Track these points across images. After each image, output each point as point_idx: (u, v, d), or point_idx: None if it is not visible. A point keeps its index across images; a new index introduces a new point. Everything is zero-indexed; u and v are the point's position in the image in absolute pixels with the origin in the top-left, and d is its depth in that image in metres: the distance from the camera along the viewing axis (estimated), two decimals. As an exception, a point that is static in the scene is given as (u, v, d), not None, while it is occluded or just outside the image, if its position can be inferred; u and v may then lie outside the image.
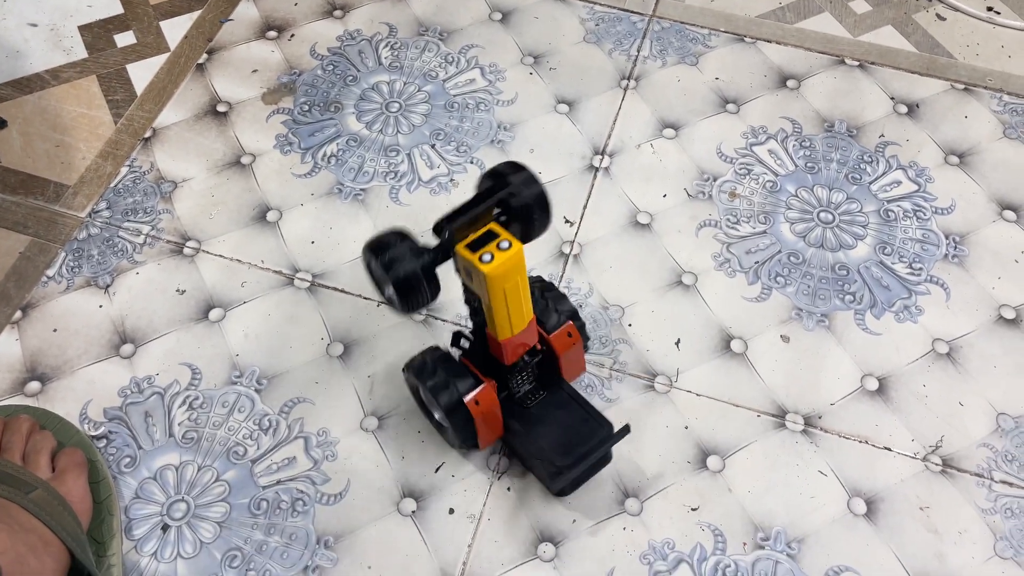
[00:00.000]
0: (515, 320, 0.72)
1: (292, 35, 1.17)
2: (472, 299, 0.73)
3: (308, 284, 0.95)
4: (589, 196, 1.03)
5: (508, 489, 0.83)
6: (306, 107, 1.10)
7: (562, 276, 0.96)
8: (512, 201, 0.69)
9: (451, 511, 0.81)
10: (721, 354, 0.91)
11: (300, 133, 1.07)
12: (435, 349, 0.80)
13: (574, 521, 0.81)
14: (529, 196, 0.69)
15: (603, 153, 1.06)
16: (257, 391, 0.88)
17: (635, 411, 0.87)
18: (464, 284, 0.72)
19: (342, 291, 0.95)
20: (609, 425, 0.79)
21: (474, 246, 0.66)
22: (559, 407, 0.80)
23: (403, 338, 0.91)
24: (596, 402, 0.88)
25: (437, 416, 0.82)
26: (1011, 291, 0.95)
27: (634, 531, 0.81)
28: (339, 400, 0.87)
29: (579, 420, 0.80)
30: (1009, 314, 0.93)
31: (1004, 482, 0.83)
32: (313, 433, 0.85)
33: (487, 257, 0.65)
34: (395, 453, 0.85)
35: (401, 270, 0.64)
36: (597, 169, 1.05)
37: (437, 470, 0.84)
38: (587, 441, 0.77)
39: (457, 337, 0.80)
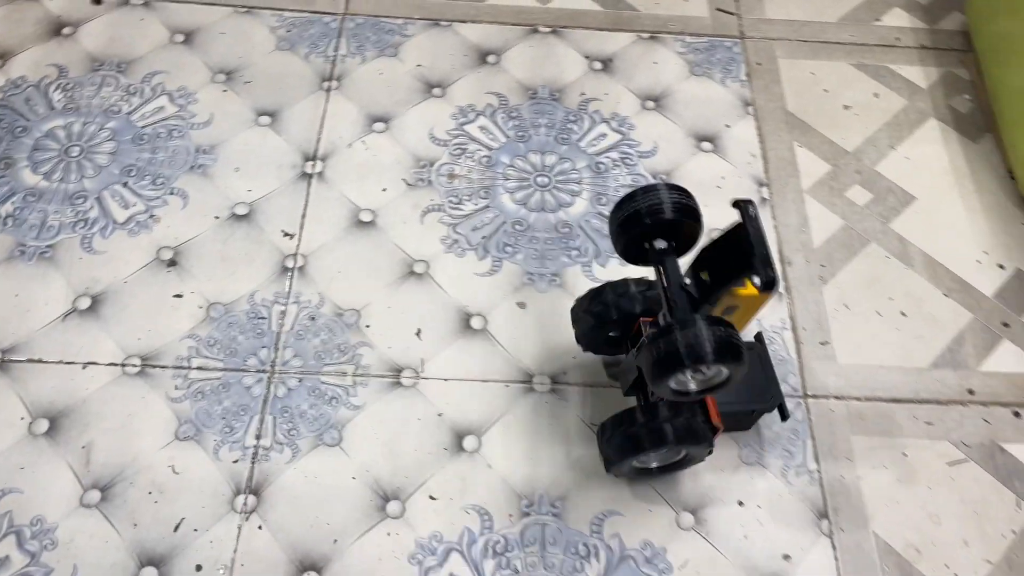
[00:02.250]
0: None
1: (-55, 94, 1.04)
2: None
3: (-2, 362, 0.84)
4: (306, 204, 0.98)
5: (260, 527, 0.77)
6: (-30, 169, 0.98)
7: (289, 292, 0.91)
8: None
9: (198, 568, 0.74)
10: (463, 334, 0.90)
11: (-34, 199, 0.95)
12: (618, 419, 0.74)
13: (335, 541, 0.77)
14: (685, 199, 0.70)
15: (315, 158, 1.02)
16: (-50, 495, 0.76)
17: (385, 411, 0.84)
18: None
19: (39, 361, 0.85)
20: (748, 343, 0.81)
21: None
22: None
23: (117, 396, 0.83)
24: (343, 412, 0.84)
25: (682, 456, 0.77)
26: (717, 214, 0.99)
27: (399, 534, 0.77)
28: (51, 481, 0.78)
29: None
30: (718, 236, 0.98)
31: (739, 392, 0.87)
32: (25, 524, 0.75)
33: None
34: (125, 522, 0.76)
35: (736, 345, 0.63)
36: (311, 176, 1.01)
37: (176, 528, 0.76)
38: (761, 368, 0.80)
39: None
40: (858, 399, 0.87)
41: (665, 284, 0.69)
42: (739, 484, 0.81)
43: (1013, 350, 0.91)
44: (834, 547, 0.78)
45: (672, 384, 0.65)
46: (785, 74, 1.14)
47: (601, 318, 0.78)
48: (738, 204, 0.66)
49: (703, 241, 0.71)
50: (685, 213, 0.69)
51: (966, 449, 0.84)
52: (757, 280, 0.64)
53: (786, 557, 0.78)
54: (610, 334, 0.80)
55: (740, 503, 0.80)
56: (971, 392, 0.88)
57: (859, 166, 1.05)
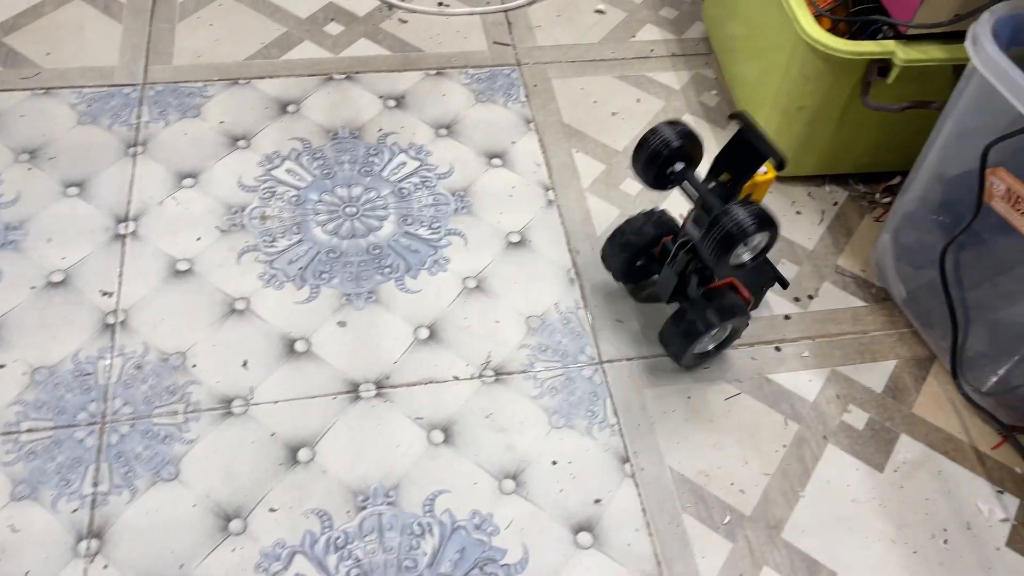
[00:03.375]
0: None
1: None
2: None
3: None
4: (122, 263, 1.02)
5: (105, 567, 0.80)
6: None
7: (112, 346, 0.95)
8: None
9: (46, 615, 0.77)
10: (288, 358, 0.96)
11: None
12: (673, 321, 0.92)
13: (181, 566, 0.81)
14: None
15: (127, 219, 1.07)
16: None
17: (219, 440, 0.89)
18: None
19: None
20: None
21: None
22: None
23: (-54, 469, 0.84)
24: (178, 447, 0.88)
25: (717, 334, 0.94)
26: (512, 220, 1.12)
27: (243, 548, 0.82)
28: None
29: None
30: (515, 238, 1.10)
31: (545, 369, 0.98)
32: None
33: (763, 170, 0.86)
34: (-35, 587, 0.78)
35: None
36: (124, 236, 1.05)
37: (20, 582, 0.79)
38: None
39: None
40: (646, 358, 0.99)
41: (696, 193, 0.87)
42: (551, 447, 0.91)
43: (769, 295, 1.06)
44: (637, 485, 0.89)
45: (732, 260, 0.81)
46: (559, 92, 1.28)
47: (628, 249, 0.97)
48: (735, 115, 0.86)
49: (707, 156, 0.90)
50: (688, 139, 0.87)
51: (739, 384, 0.98)
52: (774, 161, 0.82)
53: (597, 501, 0.88)
54: (637, 264, 0.99)
55: (554, 462, 0.90)
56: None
57: (629, 162, 1.19)
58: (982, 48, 0.82)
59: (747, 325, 0.96)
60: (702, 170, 0.89)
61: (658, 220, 0.97)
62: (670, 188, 0.90)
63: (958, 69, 0.98)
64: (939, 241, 0.94)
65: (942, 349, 0.99)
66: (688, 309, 0.92)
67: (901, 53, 0.97)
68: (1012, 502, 0.90)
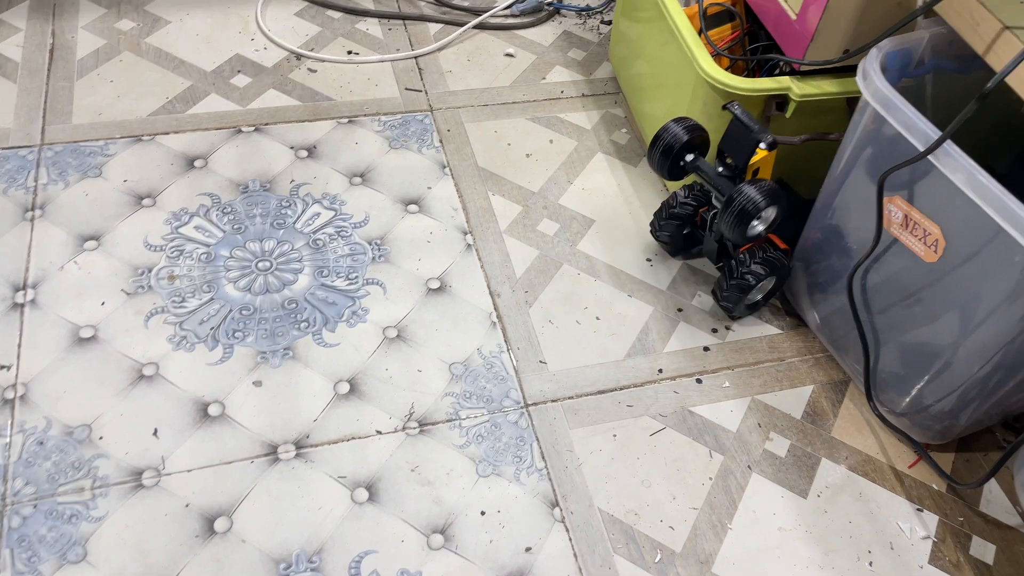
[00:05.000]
0: None
1: None
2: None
3: None
4: (21, 334, 0.97)
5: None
6: None
7: (12, 423, 0.90)
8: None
9: None
10: (202, 424, 0.93)
11: None
12: (725, 277, 1.03)
13: (91, 655, 0.76)
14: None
15: (25, 287, 1.02)
16: None
17: (129, 516, 0.85)
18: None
19: None
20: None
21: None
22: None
23: None
24: (85, 527, 0.84)
25: (763, 285, 1.05)
26: (431, 266, 1.11)
27: (158, 629, 0.78)
28: None
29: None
30: (435, 284, 1.09)
31: (470, 417, 0.96)
32: None
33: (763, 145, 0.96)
34: None
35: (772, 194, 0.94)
36: (22, 305, 1.00)
37: None
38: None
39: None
40: (571, 398, 0.99)
41: (708, 178, 1.01)
42: (479, 496, 0.90)
43: (688, 329, 1.07)
44: (567, 529, 0.88)
45: (748, 233, 0.94)
46: (472, 135, 1.29)
47: (677, 219, 1.08)
48: (726, 107, 0.98)
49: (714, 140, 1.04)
50: (694, 131, 1.00)
51: (663, 419, 0.98)
52: (763, 144, 0.95)
53: (528, 550, 0.86)
54: (684, 232, 1.11)
55: (482, 513, 0.89)
56: (660, 371, 1.03)
57: (545, 202, 1.20)
58: (872, 82, 0.85)
59: (790, 273, 1.06)
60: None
61: (697, 193, 1.09)
62: (685, 177, 1.04)
63: (852, 102, 1.03)
64: (847, 267, 0.97)
65: (856, 372, 1.02)
66: (736, 266, 1.02)
67: (796, 88, 1.00)
68: (931, 519, 0.93)
